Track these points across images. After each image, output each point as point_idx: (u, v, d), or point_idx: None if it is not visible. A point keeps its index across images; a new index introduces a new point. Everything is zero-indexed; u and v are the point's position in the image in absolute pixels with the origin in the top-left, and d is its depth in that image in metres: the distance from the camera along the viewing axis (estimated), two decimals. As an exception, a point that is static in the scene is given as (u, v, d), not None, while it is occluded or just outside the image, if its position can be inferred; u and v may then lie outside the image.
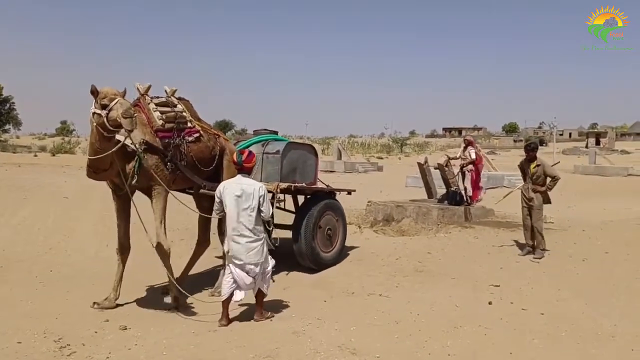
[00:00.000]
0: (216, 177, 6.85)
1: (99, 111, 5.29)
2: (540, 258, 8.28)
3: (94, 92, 5.34)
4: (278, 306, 6.11)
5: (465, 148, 12.09)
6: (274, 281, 5.96)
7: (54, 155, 30.45)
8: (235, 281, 5.51)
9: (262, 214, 5.48)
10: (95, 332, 5.11)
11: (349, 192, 9.21)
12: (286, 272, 7.67)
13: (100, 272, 7.47)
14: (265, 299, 5.80)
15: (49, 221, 9.92)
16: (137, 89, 6.44)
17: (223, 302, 5.57)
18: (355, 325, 5.40)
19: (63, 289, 6.59)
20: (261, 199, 5.45)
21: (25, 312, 5.65)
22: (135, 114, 5.33)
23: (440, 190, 13.02)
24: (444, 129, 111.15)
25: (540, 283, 7.07)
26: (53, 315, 5.58)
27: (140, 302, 6.14)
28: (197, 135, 6.62)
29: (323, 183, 8.85)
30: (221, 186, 5.57)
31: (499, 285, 6.89)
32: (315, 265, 7.73)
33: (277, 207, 7.67)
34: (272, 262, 5.73)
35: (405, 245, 9.02)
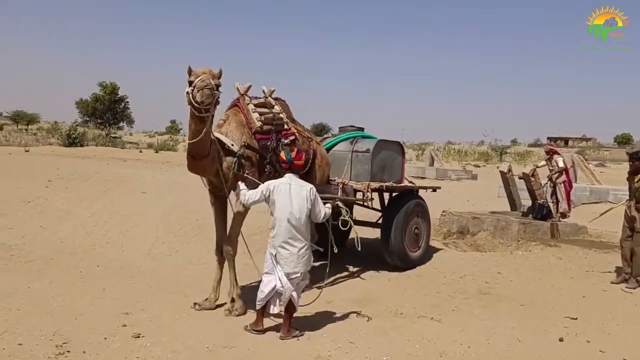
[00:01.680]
0: (307, 179, 6.37)
1: (187, 89, 5.03)
2: (634, 288, 6.95)
3: (188, 72, 5.07)
4: (313, 323, 5.41)
5: (550, 157, 10.73)
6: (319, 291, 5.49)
7: (157, 152, 31.66)
8: (275, 291, 4.92)
9: (315, 218, 5.03)
10: (105, 338, 4.69)
11: (434, 190, 8.92)
12: (333, 283, 6.94)
13: (145, 270, 7.19)
14: (302, 313, 5.22)
15: (118, 215, 9.91)
16: (237, 88, 6.26)
17: (257, 311, 5.05)
18: (390, 354, 4.62)
19: (100, 287, 6.28)
20: (314, 201, 4.97)
21: (49, 310, 5.36)
22: (209, 87, 4.88)
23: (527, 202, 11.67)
24: (548, 138, 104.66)
25: (629, 319, 5.82)
26: (74, 315, 5.24)
27: (170, 309, 5.65)
28: (292, 137, 6.40)
29: (408, 180, 8.51)
30: (272, 184, 5.01)
31: (576, 318, 5.74)
32: (404, 264, 7.58)
33: (366, 206, 7.61)
34: (308, 273, 5.15)
35: (473, 262, 7.97)
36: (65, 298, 5.78)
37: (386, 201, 8.31)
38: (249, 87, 6.30)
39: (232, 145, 5.61)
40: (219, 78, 5.12)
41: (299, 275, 4.91)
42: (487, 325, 5.48)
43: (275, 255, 4.88)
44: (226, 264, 5.84)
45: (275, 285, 4.87)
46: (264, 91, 6.55)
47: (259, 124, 6.01)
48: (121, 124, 48.26)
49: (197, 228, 9.53)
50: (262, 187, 5.02)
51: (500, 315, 5.82)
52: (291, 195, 4.90)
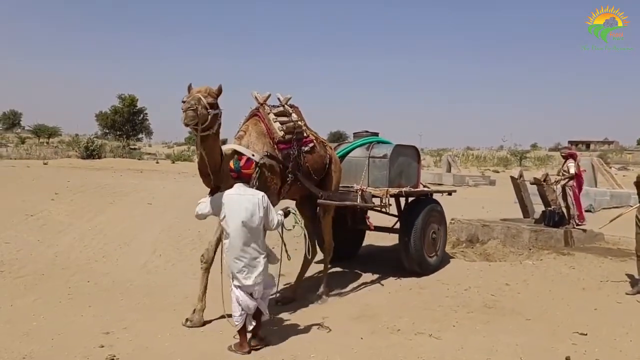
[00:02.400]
0: (322, 186, 6.66)
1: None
2: (650, 300, 6.48)
3: (188, 90, 4.95)
4: (303, 341, 5.11)
5: (564, 162, 10.26)
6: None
7: (173, 162, 31.69)
8: (242, 307, 4.74)
9: (268, 226, 4.84)
10: (76, 360, 4.42)
11: (450, 193, 8.91)
12: (333, 297, 6.61)
13: (137, 285, 6.93)
14: (293, 330, 5.12)
15: (119, 227, 9.70)
16: (255, 97, 6.16)
17: (239, 331, 4.81)
18: (379, 377, 4.25)
19: (86, 304, 6.05)
20: (267, 209, 4.77)
21: (26, 330, 5.14)
22: (191, 109, 4.69)
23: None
24: (569, 141, 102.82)
25: (643, 335, 5.38)
26: (52, 335, 5.00)
27: (154, 327, 5.37)
28: (312, 145, 6.39)
29: (423, 185, 8.44)
30: (225, 196, 4.78)
31: (586, 334, 5.33)
32: (422, 269, 7.51)
33: (384, 212, 7.49)
34: (272, 279, 5.10)
35: (480, 273, 7.54)
36: (47, 316, 5.55)
37: (403, 206, 8.14)
38: (269, 96, 6.19)
39: (253, 155, 5.43)
40: (217, 95, 4.95)
41: (258, 286, 4.73)
42: (489, 343, 5.10)
43: (233, 268, 4.71)
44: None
45: (239, 302, 4.72)
46: (279, 99, 6.42)
47: (281, 133, 5.94)
48: (140, 136, 48.70)
49: (197, 240, 9.27)
50: (214, 199, 4.86)
51: (504, 331, 5.43)
52: (243, 205, 4.68)
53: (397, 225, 8.03)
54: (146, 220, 10.38)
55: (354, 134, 8.48)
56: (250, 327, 4.82)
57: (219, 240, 5.61)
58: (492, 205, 18.24)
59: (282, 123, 6.02)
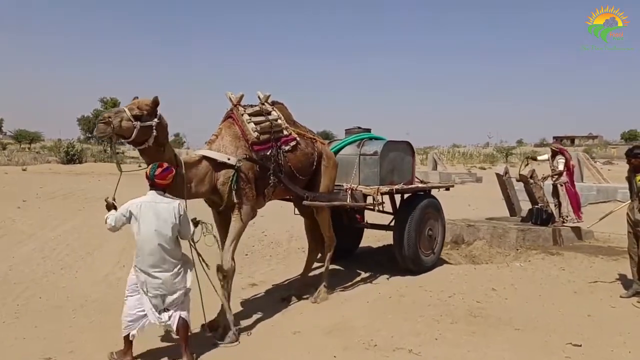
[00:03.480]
0: (313, 185, 6.38)
1: None
2: (647, 303, 6.00)
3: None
4: (269, 361, 4.54)
5: (553, 157, 9.79)
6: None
7: (157, 166, 30.92)
8: (138, 316, 4.45)
9: (184, 235, 4.56)
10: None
11: (447, 189, 8.48)
12: (302, 312, 6.06)
13: (93, 300, 6.33)
14: (262, 348, 4.70)
15: (85, 236, 9.09)
16: (229, 98, 5.79)
17: (124, 337, 4.48)
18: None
19: (33, 324, 5.46)
20: (183, 218, 4.50)
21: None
22: (101, 121, 4.45)
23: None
24: (554, 137, 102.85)
25: (642, 344, 4.88)
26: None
27: (103, 349, 4.78)
28: (293, 143, 6.00)
29: (419, 180, 8.15)
30: (133, 203, 4.43)
31: (580, 345, 4.82)
32: (417, 268, 7.31)
33: (378, 211, 7.22)
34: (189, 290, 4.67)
35: (465, 277, 7.01)
36: (-15, 341, 4.95)
37: (398, 203, 7.86)
38: (242, 96, 5.82)
39: (229, 159, 5.21)
40: (150, 107, 4.59)
41: (176, 296, 4.46)
42: (475, 358, 4.57)
43: (144, 280, 4.39)
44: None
45: (145, 309, 4.44)
46: (259, 97, 6.12)
47: (255, 134, 5.58)
48: (122, 140, 47.62)
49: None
50: (122, 208, 4.46)
51: (492, 344, 4.90)
52: (158, 213, 4.37)
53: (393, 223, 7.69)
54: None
55: (345, 130, 8.06)
56: (133, 335, 4.46)
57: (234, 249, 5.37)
58: (479, 202, 17.81)
59: (257, 123, 5.67)
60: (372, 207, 7.07)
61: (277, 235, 9.76)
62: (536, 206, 9.66)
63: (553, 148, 9.98)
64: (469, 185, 29.81)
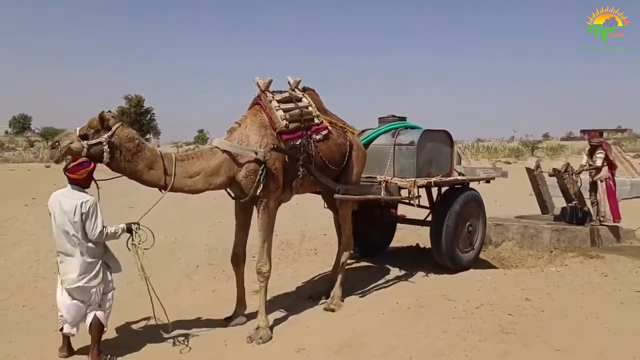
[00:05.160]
0: (342, 177, 5.91)
1: None
2: None
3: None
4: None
5: (592, 152, 8.84)
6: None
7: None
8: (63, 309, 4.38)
9: (88, 234, 4.26)
10: None
11: (488, 181, 7.91)
12: (308, 325, 5.31)
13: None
14: None
15: (88, 236, 8.50)
16: (257, 84, 5.44)
17: (60, 329, 4.47)
18: None
19: (7, 338, 4.84)
20: (84, 216, 4.22)
21: None
22: (53, 146, 4.46)
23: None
24: (581, 131, 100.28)
25: None
26: None
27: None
28: (325, 132, 5.59)
29: (458, 172, 7.56)
30: (51, 199, 4.42)
31: (635, 372, 3.98)
32: (454, 265, 6.84)
33: (415, 205, 6.76)
34: (112, 290, 4.54)
35: (494, 285, 6.17)
36: None
37: (436, 197, 7.37)
38: (270, 81, 5.44)
39: (256, 153, 4.89)
40: (97, 125, 4.43)
41: (92, 295, 4.34)
42: (509, 388, 3.78)
43: (61, 274, 4.38)
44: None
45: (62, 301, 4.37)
46: (289, 82, 5.71)
47: (284, 122, 5.20)
48: (148, 136, 47.81)
49: (169, 249, 8.05)
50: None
51: (527, 368, 4.10)
52: (63, 208, 4.25)
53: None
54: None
55: (379, 118, 7.47)
56: (68, 331, 4.40)
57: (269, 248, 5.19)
58: (506, 198, 16.79)
59: (285, 110, 5.27)
60: (408, 201, 6.59)
61: (288, 235, 9.06)
62: (570, 204, 8.73)
63: (593, 143, 8.99)
64: (495, 180, 28.70)
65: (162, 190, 4.75)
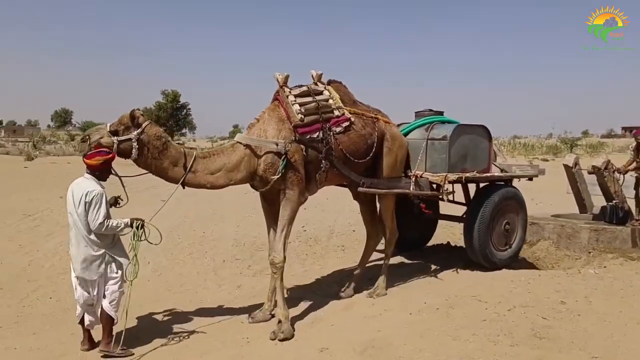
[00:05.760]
0: (375, 169, 5.85)
1: None
2: None
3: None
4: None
5: (638, 149, 8.40)
6: None
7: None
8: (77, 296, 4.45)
9: (90, 224, 4.26)
10: None
11: (530, 178, 7.69)
12: (333, 323, 5.16)
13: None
14: None
15: (118, 228, 8.55)
16: (276, 79, 5.50)
17: (80, 323, 4.52)
18: None
19: (32, 329, 4.92)
20: (87, 206, 4.24)
21: None
22: (84, 140, 4.58)
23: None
24: (623, 128, 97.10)
25: None
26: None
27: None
28: (346, 124, 5.53)
29: (498, 167, 7.25)
30: (70, 186, 4.47)
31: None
32: (487, 263, 6.63)
33: (448, 200, 6.55)
34: (118, 282, 4.48)
35: (528, 286, 5.89)
36: None
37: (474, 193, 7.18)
38: (287, 76, 5.49)
39: (277, 145, 4.98)
40: (128, 121, 4.60)
41: (88, 282, 4.35)
42: (541, 398, 3.55)
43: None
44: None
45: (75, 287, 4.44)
46: (312, 76, 5.76)
47: (299, 116, 5.22)
48: (184, 131, 48.38)
49: (197, 243, 8.02)
50: None
51: (562, 377, 3.86)
52: (73, 196, 4.33)
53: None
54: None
55: (415, 113, 7.39)
56: (87, 323, 4.46)
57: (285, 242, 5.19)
58: (543, 196, 16.26)
59: (302, 104, 5.31)
60: (440, 196, 6.47)
61: (317, 231, 8.92)
62: (611, 203, 8.32)
63: None
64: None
65: (184, 187, 4.87)
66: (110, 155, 4.43)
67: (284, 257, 5.10)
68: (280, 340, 4.74)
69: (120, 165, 4.60)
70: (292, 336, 4.85)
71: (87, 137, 4.53)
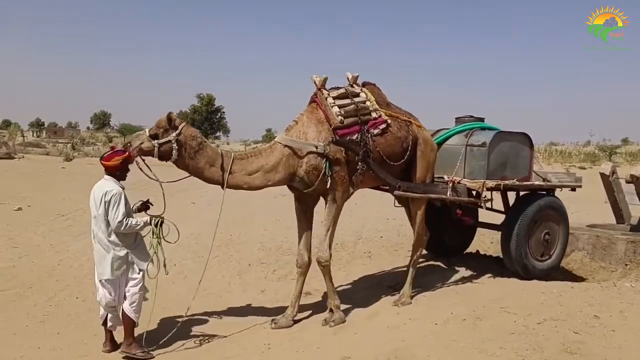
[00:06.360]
0: (409, 172, 5.92)
1: None
2: None
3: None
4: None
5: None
6: None
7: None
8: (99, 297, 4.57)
9: (110, 223, 4.42)
10: None
11: (573, 189, 7.51)
12: (356, 331, 5.06)
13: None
14: None
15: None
16: (314, 81, 5.61)
17: (102, 324, 4.64)
18: None
19: (57, 329, 5.15)
20: (108, 206, 4.40)
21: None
22: (126, 145, 4.81)
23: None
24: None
25: None
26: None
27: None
28: (383, 126, 5.58)
29: (540, 176, 7.18)
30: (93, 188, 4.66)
31: None
32: (524, 273, 6.50)
33: (487, 208, 6.49)
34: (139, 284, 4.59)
35: (559, 299, 5.66)
36: (-2, 347, 4.41)
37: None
38: (325, 78, 5.57)
39: (316, 147, 5.10)
40: (166, 124, 4.76)
41: (108, 283, 4.43)
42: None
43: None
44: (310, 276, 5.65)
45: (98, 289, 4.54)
46: (348, 78, 5.80)
47: (339, 118, 5.30)
48: (218, 134, 49.04)
49: (224, 246, 8.03)
50: None
51: (593, 396, 3.66)
52: (94, 197, 4.52)
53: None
54: (179, 222, 9.27)
55: (455, 118, 7.34)
56: (109, 324, 4.56)
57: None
58: (579, 205, 15.78)
59: (341, 106, 5.37)
60: (477, 203, 6.40)
61: (344, 237, 8.83)
62: (650, 213, 7.98)
63: None
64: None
65: (222, 187, 4.98)
66: (127, 154, 4.55)
67: (330, 255, 5.29)
68: (330, 327, 5.12)
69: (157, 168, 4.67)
70: (344, 322, 5.20)
71: (128, 144, 4.70)
